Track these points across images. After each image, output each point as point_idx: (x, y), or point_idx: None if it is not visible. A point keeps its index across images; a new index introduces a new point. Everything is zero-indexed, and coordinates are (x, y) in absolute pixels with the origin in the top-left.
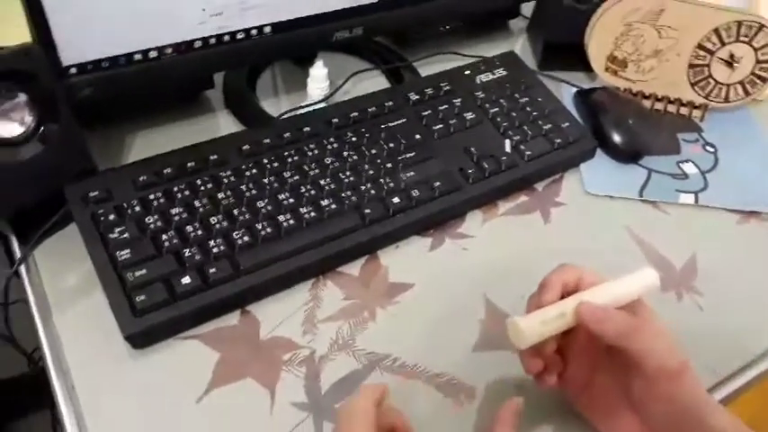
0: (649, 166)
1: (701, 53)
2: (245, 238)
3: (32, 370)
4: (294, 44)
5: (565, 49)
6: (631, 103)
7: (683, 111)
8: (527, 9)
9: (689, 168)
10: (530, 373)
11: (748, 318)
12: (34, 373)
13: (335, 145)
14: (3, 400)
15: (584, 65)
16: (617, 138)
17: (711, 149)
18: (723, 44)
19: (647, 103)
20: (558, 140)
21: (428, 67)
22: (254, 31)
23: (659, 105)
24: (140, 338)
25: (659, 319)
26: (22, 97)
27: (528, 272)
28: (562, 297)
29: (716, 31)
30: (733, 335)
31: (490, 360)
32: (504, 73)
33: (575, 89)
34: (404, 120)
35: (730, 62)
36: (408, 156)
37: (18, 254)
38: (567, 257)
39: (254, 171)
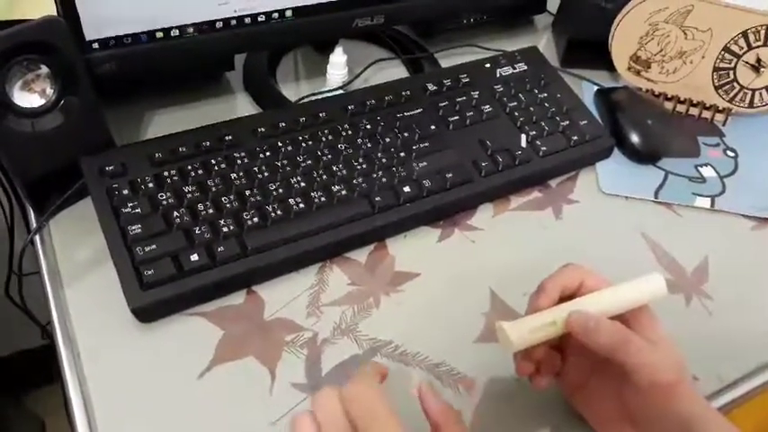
0: (666, 168)
1: (727, 56)
2: (255, 219)
3: (45, 343)
4: (315, 30)
5: (588, 47)
6: (652, 103)
7: (706, 114)
8: (553, 5)
9: (707, 172)
10: (520, 376)
11: (757, 325)
12: (47, 347)
13: (350, 132)
14: (17, 371)
15: (606, 63)
16: (635, 138)
17: (732, 154)
18: (750, 48)
19: (668, 105)
20: (575, 138)
21: (449, 59)
22: (275, 15)
23: (681, 108)
24: (146, 312)
25: (661, 327)
26: (44, 69)
27: (535, 268)
28: (562, 300)
29: (744, 34)
30: (741, 341)
31: (491, 353)
32: (525, 68)
33: (596, 87)
34: (420, 110)
35: (757, 66)
36: (422, 146)
37: (34, 225)
38: (577, 256)
39: (267, 154)
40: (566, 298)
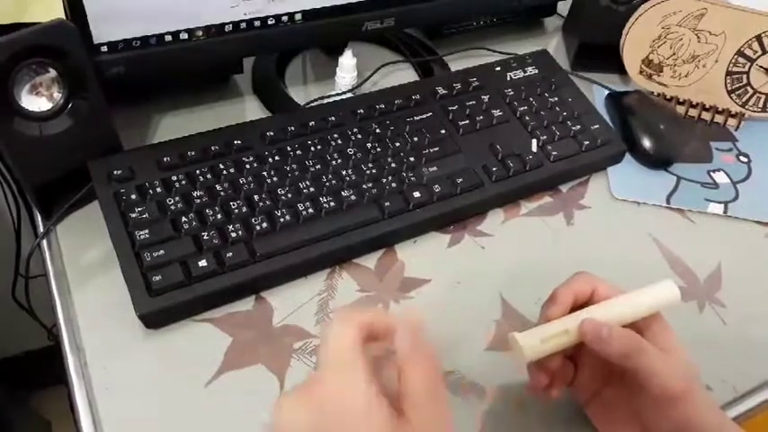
0: (679, 174)
1: (741, 60)
2: (264, 225)
3: (51, 344)
4: (324, 33)
5: (599, 50)
6: (664, 108)
7: (718, 118)
8: (563, 8)
9: (720, 178)
10: (534, 387)
11: None
12: (53, 347)
13: (359, 136)
14: (22, 372)
15: (618, 67)
16: (647, 143)
17: (745, 159)
18: (764, 51)
19: (680, 109)
20: (587, 142)
21: (459, 63)
22: (284, 18)
23: (693, 112)
24: (154, 318)
25: (674, 337)
26: (53, 73)
27: (547, 275)
28: (575, 308)
29: (758, 37)
30: (755, 350)
31: (502, 361)
32: (536, 71)
33: (607, 91)
34: (430, 114)
35: None
36: (432, 150)
37: (41, 228)
38: (588, 262)
39: (276, 158)
40: (578, 307)
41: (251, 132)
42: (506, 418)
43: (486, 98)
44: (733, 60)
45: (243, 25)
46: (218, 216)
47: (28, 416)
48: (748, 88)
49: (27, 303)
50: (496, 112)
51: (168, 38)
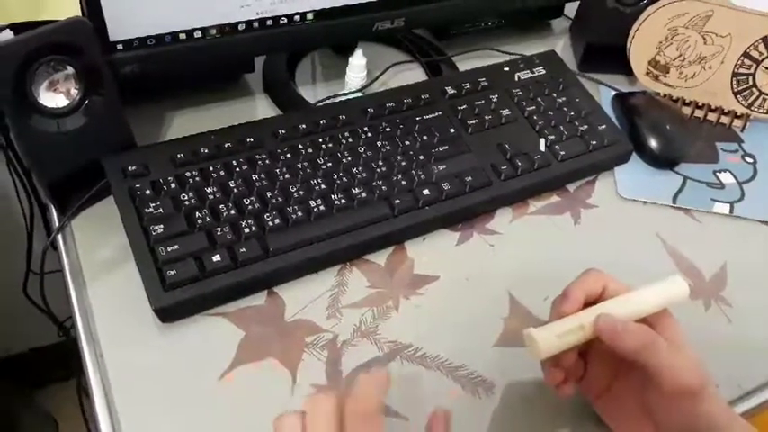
0: (685, 174)
1: (747, 62)
2: (276, 221)
3: (63, 339)
4: (335, 32)
5: (606, 51)
6: (670, 108)
7: (724, 120)
8: (570, 9)
9: (726, 178)
10: (549, 384)
11: None
12: (60, 344)
13: (369, 134)
14: (28, 369)
15: (624, 68)
16: (653, 143)
17: (750, 160)
18: None
19: (686, 110)
20: (594, 142)
21: (467, 63)
22: (296, 17)
23: (699, 113)
24: (169, 312)
25: (683, 332)
26: (69, 70)
27: (554, 273)
28: (586, 305)
29: (764, 39)
30: (760, 348)
31: (511, 356)
32: (543, 72)
33: (613, 92)
34: (439, 113)
35: None
36: (441, 149)
37: (56, 224)
38: (595, 261)
39: (288, 156)
40: (588, 303)
41: (263, 130)
42: (515, 413)
43: (494, 98)
44: (739, 62)
45: (255, 24)
46: (232, 212)
47: (34, 413)
48: (754, 90)
49: (42, 299)
50: (505, 112)
51: (182, 36)
